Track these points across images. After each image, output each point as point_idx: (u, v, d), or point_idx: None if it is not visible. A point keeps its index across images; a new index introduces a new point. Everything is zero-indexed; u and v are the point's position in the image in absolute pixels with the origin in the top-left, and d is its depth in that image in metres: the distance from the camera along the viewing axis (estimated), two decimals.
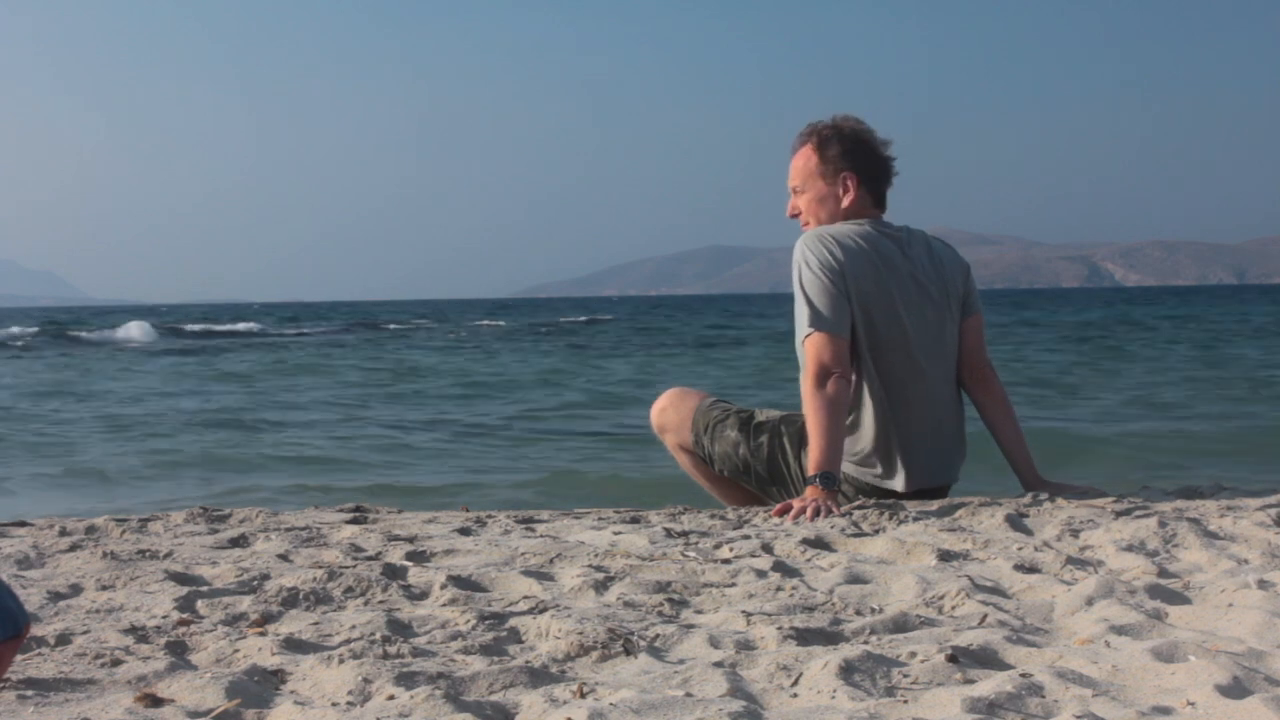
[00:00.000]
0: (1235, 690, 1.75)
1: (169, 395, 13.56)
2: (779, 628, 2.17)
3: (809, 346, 3.46)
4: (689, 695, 1.80)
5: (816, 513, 3.29)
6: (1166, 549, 2.88)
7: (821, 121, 3.67)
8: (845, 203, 3.63)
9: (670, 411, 3.97)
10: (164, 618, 2.34)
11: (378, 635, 2.17)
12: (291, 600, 2.49)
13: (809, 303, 3.48)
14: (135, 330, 33.56)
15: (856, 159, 3.62)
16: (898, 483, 3.59)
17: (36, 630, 2.22)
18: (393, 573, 2.71)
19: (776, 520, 3.31)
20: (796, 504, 3.35)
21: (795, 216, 3.73)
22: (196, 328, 39.50)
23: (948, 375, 3.68)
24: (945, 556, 2.82)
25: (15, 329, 36.13)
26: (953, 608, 2.38)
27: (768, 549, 2.94)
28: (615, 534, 3.17)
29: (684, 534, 3.16)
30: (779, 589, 2.54)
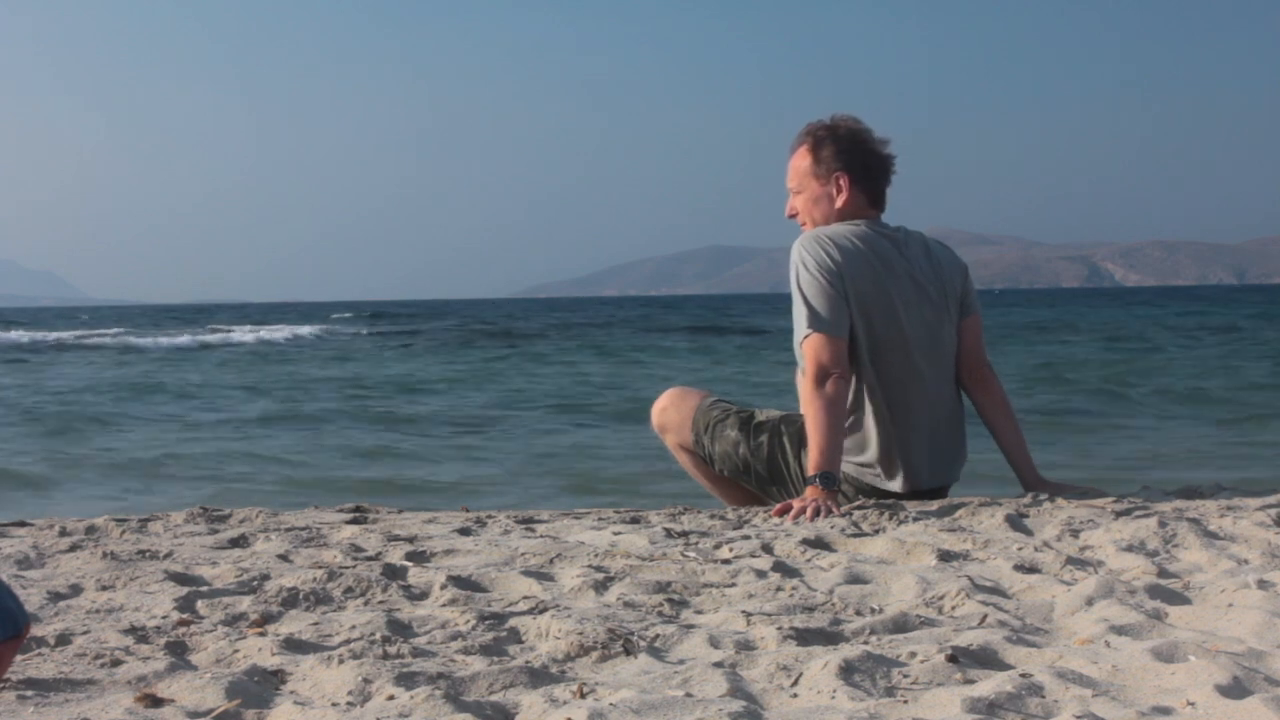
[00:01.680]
0: (1235, 690, 1.75)
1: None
2: (779, 628, 2.17)
3: (807, 348, 3.47)
4: (689, 695, 1.80)
5: (816, 513, 3.29)
6: (1166, 549, 2.88)
7: (818, 121, 3.67)
8: (839, 203, 3.63)
9: (671, 411, 3.97)
10: (164, 618, 2.34)
11: (378, 635, 2.17)
12: (291, 600, 2.49)
13: (807, 304, 3.48)
14: (301, 330, 34.64)
15: (850, 159, 3.62)
16: (898, 484, 3.59)
17: (36, 630, 2.21)
18: (393, 573, 2.71)
19: (776, 520, 3.31)
20: (796, 504, 3.35)
21: (793, 217, 3.74)
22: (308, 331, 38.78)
23: (947, 375, 3.68)
24: (945, 556, 2.82)
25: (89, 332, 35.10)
26: (953, 608, 2.38)
27: (768, 549, 2.94)
28: (615, 534, 3.17)
29: (684, 534, 3.16)
30: (779, 589, 2.54)
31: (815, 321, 3.46)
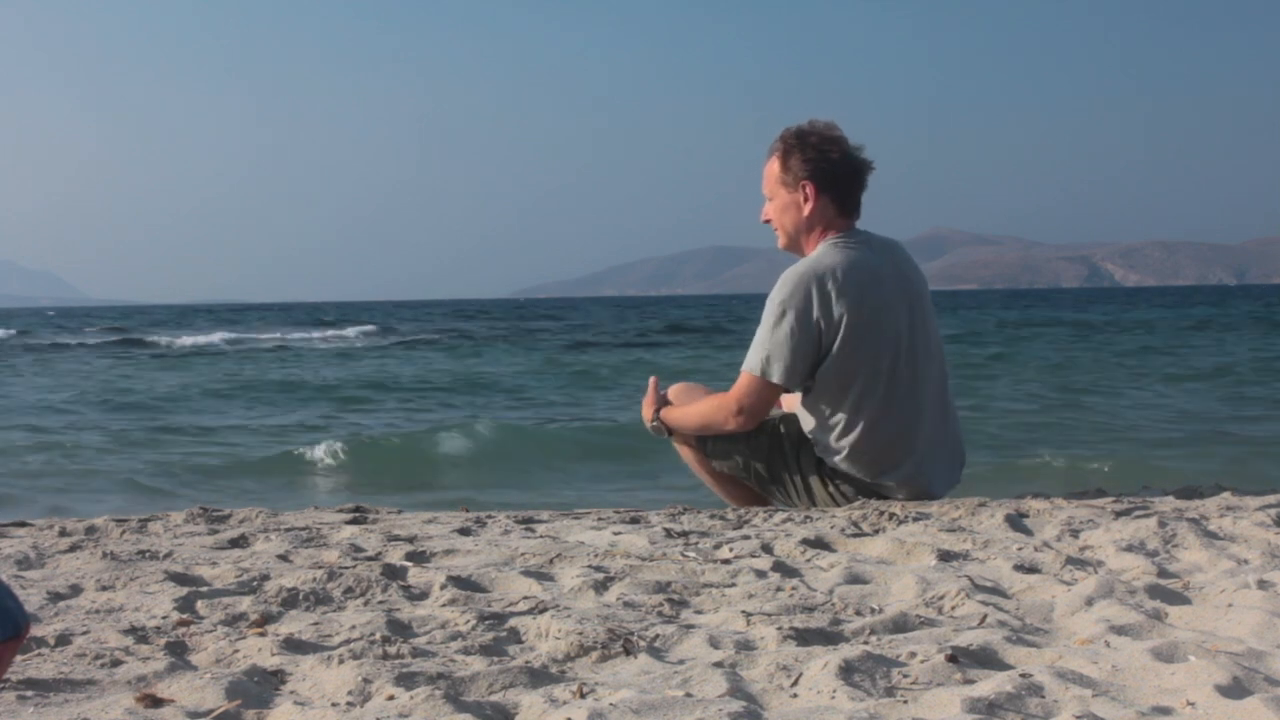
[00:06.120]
0: (1235, 690, 1.75)
1: None
2: (779, 628, 2.17)
3: (744, 379, 3.58)
4: (689, 695, 1.80)
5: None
6: (1166, 549, 2.88)
7: (791, 128, 3.67)
8: (806, 211, 3.63)
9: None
10: (164, 618, 2.34)
11: (378, 635, 2.17)
12: (291, 600, 2.49)
13: (765, 345, 3.54)
14: (369, 329, 35.59)
15: (817, 168, 3.61)
16: (900, 488, 3.60)
17: (36, 630, 2.22)
18: (393, 573, 2.71)
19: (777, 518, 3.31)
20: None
21: (768, 222, 3.75)
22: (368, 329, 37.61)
23: (941, 376, 3.69)
24: (945, 557, 2.82)
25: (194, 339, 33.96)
26: (953, 608, 2.38)
27: (768, 549, 2.94)
28: (615, 534, 3.17)
29: (684, 534, 3.16)
30: (779, 589, 2.54)
31: (762, 364, 3.54)
